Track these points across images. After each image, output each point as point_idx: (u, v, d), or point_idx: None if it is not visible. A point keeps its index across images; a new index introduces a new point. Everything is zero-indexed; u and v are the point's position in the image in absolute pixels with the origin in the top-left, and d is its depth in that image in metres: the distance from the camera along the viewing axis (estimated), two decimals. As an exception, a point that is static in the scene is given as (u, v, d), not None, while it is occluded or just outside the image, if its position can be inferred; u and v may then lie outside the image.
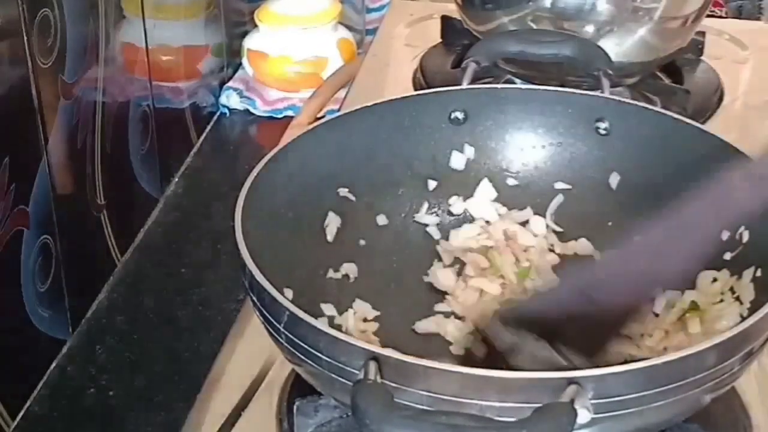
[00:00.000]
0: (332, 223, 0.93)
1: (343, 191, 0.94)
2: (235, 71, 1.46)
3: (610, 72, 1.00)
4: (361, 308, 0.90)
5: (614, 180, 0.97)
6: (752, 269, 0.85)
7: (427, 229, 0.98)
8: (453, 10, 1.31)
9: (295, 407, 0.82)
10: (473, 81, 1.01)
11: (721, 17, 1.57)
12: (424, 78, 1.30)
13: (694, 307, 0.86)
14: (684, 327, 0.85)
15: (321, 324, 0.72)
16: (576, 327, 0.82)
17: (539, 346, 0.80)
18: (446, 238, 0.97)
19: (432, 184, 0.98)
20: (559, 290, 0.88)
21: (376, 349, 0.69)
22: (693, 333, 0.84)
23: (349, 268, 0.92)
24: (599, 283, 0.83)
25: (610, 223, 0.96)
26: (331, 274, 0.91)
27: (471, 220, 0.99)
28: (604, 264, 0.89)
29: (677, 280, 0.86)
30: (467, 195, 0.99)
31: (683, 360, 0.69)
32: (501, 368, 0.74)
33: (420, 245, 0.97)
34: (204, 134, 1.38)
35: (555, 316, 0.83)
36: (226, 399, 0.88)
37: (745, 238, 0.86)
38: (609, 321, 0.83)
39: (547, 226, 0.98)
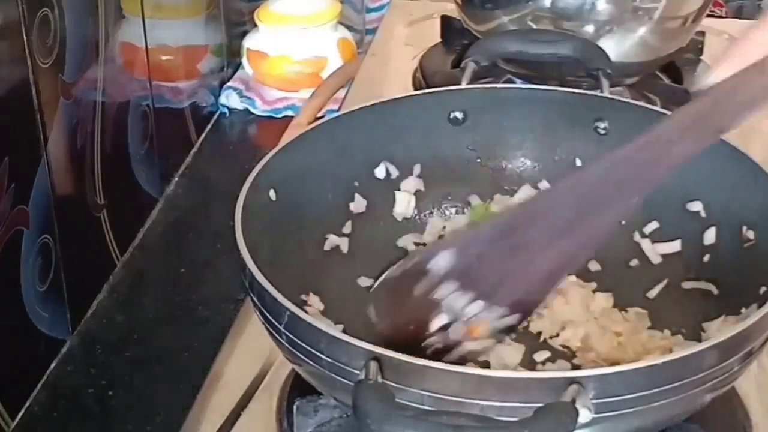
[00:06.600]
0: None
1: (342, 191, 0.94)
2: (234, 71, 1.46)
3: (610, 72, 1.01)
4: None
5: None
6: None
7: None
8: (453, 10, 1.31)
9: (295, 407, 0.82)
10: (473, 81, 1.01)
11: (721, 17, 1.57)
12: (423, 78, 1.30)
13: None
14: None
15: (321, 324, 0.72)
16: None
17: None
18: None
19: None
20: (477, 233, 0.79)
21: (377, 349, 0.69)
22: None
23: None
24: (525, 224, 0.77)
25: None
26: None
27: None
28: (533, 204, 0.81)
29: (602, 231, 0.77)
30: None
31: (683, 360, 0.69)
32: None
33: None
34: (204, 134, 1.38)
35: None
36: (226, 399, 0.88)
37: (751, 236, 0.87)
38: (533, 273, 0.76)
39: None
